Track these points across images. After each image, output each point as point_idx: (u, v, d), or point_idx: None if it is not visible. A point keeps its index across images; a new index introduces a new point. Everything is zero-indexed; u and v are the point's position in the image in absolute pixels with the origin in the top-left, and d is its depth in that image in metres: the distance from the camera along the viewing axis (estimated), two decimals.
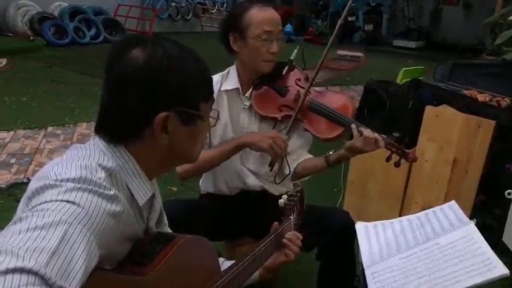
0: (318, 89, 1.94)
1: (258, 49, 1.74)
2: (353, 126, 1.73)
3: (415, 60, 9.50)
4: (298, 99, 1.82)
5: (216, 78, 1.83)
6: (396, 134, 1.79)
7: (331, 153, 1.79)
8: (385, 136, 1.73)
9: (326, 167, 1.81)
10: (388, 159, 1.80)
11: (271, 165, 1.80)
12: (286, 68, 1.84)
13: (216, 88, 1.80)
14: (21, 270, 0.65)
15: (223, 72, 1.89)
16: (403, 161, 1.79)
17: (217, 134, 1.85)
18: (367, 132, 1.68)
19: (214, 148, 1.82)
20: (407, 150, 1.78)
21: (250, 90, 1.84)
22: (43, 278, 0.66)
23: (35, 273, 0.66)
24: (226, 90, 1.85)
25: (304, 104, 1.80)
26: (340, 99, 1.87)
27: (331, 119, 1.80)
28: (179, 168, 1.78)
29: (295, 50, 1.89)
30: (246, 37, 1.73)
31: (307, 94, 1.81)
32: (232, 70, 1.87)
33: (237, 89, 1.85)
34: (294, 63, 1.87)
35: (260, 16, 1.73)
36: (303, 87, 1.84)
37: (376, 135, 1.69)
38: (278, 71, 1.83)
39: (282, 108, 1.84)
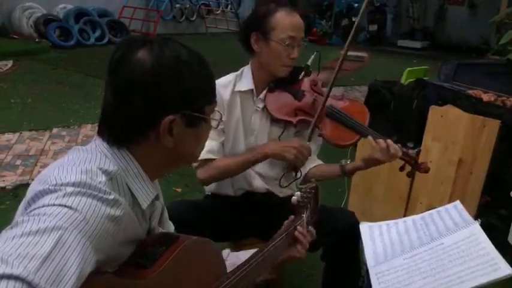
0: (332, 94, 1.93)
1: (279, 53, 1.73)
2: (370, 137, 1.73)
3: (419, 60, 9.48)
4: (314, 104, 1.81)
5: (229, 77, 1.83)
6: (411, 145, 1.80)
7: (348, 162, 1.80)
8: (400, 145, 1.73)
9: (341, 176, 1.83)
10: (401, 169, 1.81)
11: (295, 170, 1.79)
12: (303, 73, 1.83)
13: (229, 88, 1.80)
14: (9, 277, 0.64)
15: (236, 72, 1.87)
16: (414, 171, 1.80)
17: (229, 135, 1.83)
18: (384, 142, 1.69)
19: (236, 156, 1.80)
20: (419, 160, 1.79)
21: (265, 92, 1.83)
22: (31, 285, 0.66)
23: (22, 280, 0.65)
24: (240, 91, 1.83)
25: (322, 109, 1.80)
26: (358, 107, 1.87)
27: (348, 126, 1.79)
28: (202, 175, 1.77)
29: (312, 56, 1.87)
30: (269, 39, 1.73)
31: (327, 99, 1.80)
32: (247, 70, 1.86)
33: (251, 90, 1.84)
34: (310, 69, 1.86)
35: (287, 21, 1.73)
36: (318, 93, 1.84)
37: (394, 145, 1.69)
38: (294, 76, 1.83)
39: (297, 112, 1.83)
